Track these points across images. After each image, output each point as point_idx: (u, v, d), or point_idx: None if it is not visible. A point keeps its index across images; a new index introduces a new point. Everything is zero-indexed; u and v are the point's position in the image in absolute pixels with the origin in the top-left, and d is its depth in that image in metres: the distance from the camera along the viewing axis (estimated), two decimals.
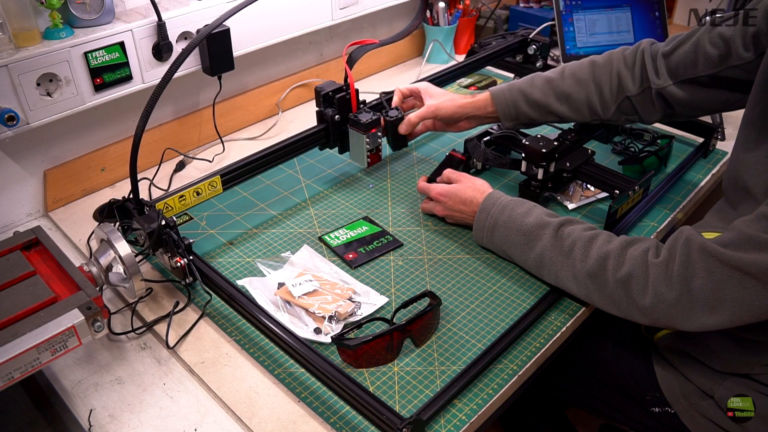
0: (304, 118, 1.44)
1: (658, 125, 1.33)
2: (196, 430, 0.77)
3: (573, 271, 0.88)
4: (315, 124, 1.16)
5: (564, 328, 0.89)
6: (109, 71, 1.07)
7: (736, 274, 0.74)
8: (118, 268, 0.84)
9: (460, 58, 1.69)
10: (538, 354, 0.85)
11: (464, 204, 1.02)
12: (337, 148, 1.19)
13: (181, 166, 1.26)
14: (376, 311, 0.91)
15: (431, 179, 1.13)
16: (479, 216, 0.99)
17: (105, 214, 0.99)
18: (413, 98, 1.19)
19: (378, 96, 1.22)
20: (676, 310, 0.79)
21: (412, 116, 1.12)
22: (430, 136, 1.35)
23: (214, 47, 1.18)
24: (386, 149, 1.29)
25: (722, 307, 0.76)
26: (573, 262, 0.88)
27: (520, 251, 0.94)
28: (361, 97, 1.17)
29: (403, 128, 1.13)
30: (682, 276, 0.77)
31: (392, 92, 1.21)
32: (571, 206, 1.13)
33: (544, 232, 0.91)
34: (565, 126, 1.20)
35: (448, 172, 1.09)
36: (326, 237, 1.05)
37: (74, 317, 0.72)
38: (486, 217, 0.98)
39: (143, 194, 1.01)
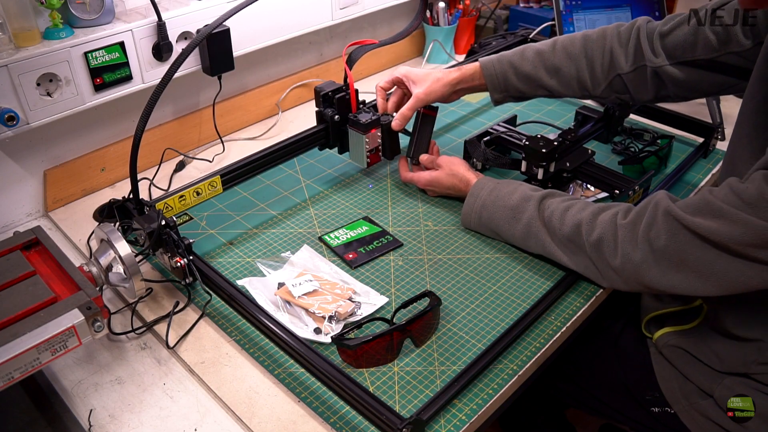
0: (304, 118, 1.44)
1: (658, 125, 1.33)
2: (196, 430, 0.77)
3: (554, 239, 0.92)
4: (315, 124, 1.16)
5: (564, 329, 0.89)
6: (109, 71, 1.07)
7: (696, 238, 0.77)
8: (118, 268, 0.84)
9: (460, 58, 1.69)
10: (538, 354, 0.85)
11: (449, 189, 1.10)
12: (336, 148, 1.19)
13: (181, 166, 1.26)
14: (376, 311, 0.91)
15: (410, 149, 1.15)
16: (468, 201, 1.04)
17: (105, 214, 0.99)
18: (397, 88, 1.16)
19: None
20: (643, 269, 0.82)
21: (405, 110, 1.10)
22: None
23: (214, 47, 1.18)
24: None
25: (687, 267, 0.79)
26: (553, 231, 0.92)
27: (508, 225, 0.98)
28: (361, 97, 1.17)
29: (397, 124, 1.11)
30: (645, 237, 0.81)
31: (373, 100, 1.18)
32: None
33: (529, 205, 0.95)
34: (565, 126, 1.20)
35: (425, 160, 1.13)
36: (326, 237, 1.05)
37: (74, 317, 0.72)
38: (474, 201, 1.02)
39: (143, 194, 1.01)
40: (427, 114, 1.14)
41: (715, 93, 1.04)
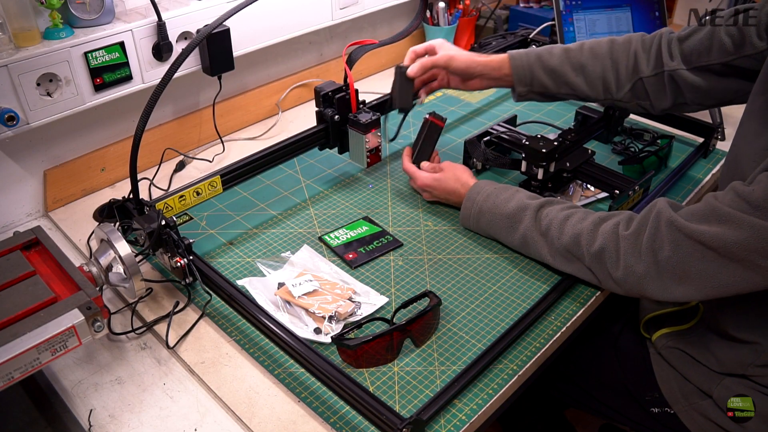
0: (304, 118, 1.44)
1: (658, 125, 1.33)
2: (196, 430, 0.77)
3: (551, 249, 0.92)
4: (315, 124, 1.16)
5: (564, 329, 0.89)
6: (109, 71, 1.07)
7: (699, 248, 0.76)
8: (118, 268, 0.84)
9: None
10: (538, 354, 0.86)
11: (449, 194, 1.08)
12: (336, 148, 1.19)
13: (181, 166, 1.26)
14: (376, 311, 0.91)
15: (415, 152, 1.14)
16: (465, 204, 1.03)
17: (105, 214, 0.99)
18: (428, 56, 1.13)
19: (378, 96, 1.22)
20: (646, 281, 0.82)
21: (426, 60, 1.08)
22: None
23: (214, 47, 1.18)
24: (386, 150, 1.29)
25: (689, 278, 0.78)
26: (551, 241, 0.92)
27: (505, 234, 0.99)
28: (361, 97, 1.17)
29: (413, 71, 1.08)
30: (649, 249, 0.81)
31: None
32: None
33: (525, 215, 0.95)
34: (565, 126, 1.20)
35: (427, 167, 1.12)
36: (326, 237, 1.05)
37: (74, 317, 0.72)
38: (472, 205, 1.02)
39: (143, 194, 1.01)
40: (435, 123, 1.14)
41: (730, 100, 1.01)
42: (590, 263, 0.88)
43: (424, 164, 1.13)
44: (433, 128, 1.14)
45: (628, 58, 1.04)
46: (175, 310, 0.92)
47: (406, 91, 1.14)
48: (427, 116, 1.14)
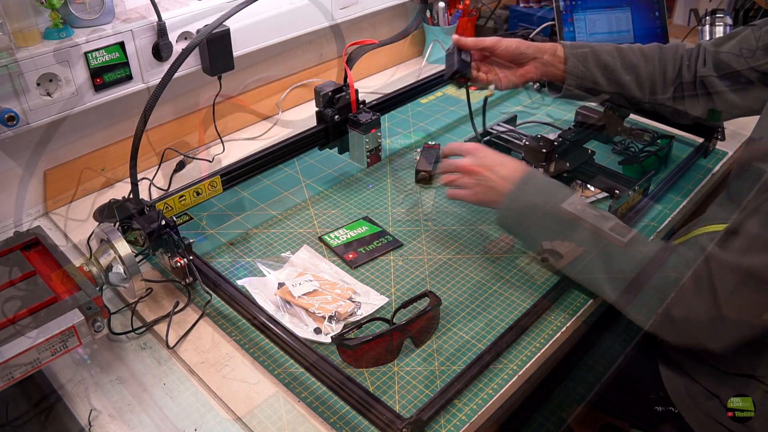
0: (304, 118, 1.44)
1: (658, 125, 1.33)
2: (196, 430, 0.77)
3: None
4: (315, 124, 1.16)
5: (564, 328, 0.89)
6: (109, 71, 1.07)
7: (750, 281, 0.73)
8: (118, 268, 0.84)
9: None
10: (538, 354, 0.85)
11: (496, 165, 0.94)
12: (336, 148, 1.19)
13: (181, 166, 1.26)
14: (376, 311, 0.91)
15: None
16: (513, 191, 0.91)
17: (105, 214, 0.99)
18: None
19: (379, 96, 1.22)
20: (704, 328, 0.79)
21: (470, 39, 1.05)
22: (430, 137, 1.35)
23: (214, 47, 1.18)
24: (386, 150, 1.29)
25: (744, 315, 0.76)
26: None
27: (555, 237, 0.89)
28: (361, 97, 1.17)
29: (464, 42, 1.04)
30: (710, 291, 0.76)
31: None
32: None
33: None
34: (565, 126, 1.20)
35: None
36: (326, 237, 1.05)
37: (74, 317, 0.72)
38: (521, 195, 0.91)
39: (143, 194, 1.01)
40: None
41: (758, 110, 0.98)
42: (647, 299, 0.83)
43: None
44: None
45: (675, 62, 1.06)
46: (175, 310, 0.92)
47: (458, 60, 1.06)
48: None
